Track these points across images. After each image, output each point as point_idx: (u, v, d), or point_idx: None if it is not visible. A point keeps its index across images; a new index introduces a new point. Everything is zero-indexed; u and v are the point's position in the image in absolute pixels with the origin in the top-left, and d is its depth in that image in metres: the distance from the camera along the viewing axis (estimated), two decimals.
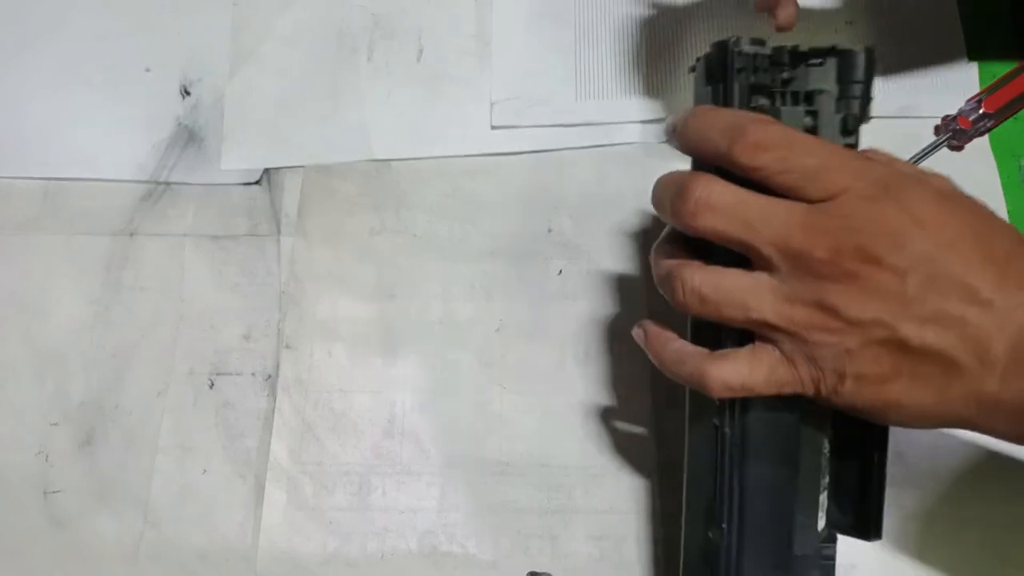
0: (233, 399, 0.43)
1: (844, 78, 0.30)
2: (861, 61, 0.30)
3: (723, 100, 0.31)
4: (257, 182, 0.48)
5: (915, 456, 0.40)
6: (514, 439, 0.42)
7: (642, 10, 0.49)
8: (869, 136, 0.32)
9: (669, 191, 0.30)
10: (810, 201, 0.27)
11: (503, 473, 0.41)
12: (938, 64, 0.47)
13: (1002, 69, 0.46)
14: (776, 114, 0.30)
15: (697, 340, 0.31)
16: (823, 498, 0.32)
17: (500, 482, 0.41)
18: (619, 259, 0.44)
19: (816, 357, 0.28)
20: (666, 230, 0.33)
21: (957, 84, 0.46)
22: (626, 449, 0.41)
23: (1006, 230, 0.28)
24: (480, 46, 0.50)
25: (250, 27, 0.51)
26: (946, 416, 0.28)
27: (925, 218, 0.27)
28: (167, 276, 0.46)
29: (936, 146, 0.44)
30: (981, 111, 0.44)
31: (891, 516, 0.39)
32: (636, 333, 0.33)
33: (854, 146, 0.31)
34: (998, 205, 0.43)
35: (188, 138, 0.49)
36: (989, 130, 0.44)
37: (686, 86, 0.45)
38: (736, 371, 0.29)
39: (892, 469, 0.39)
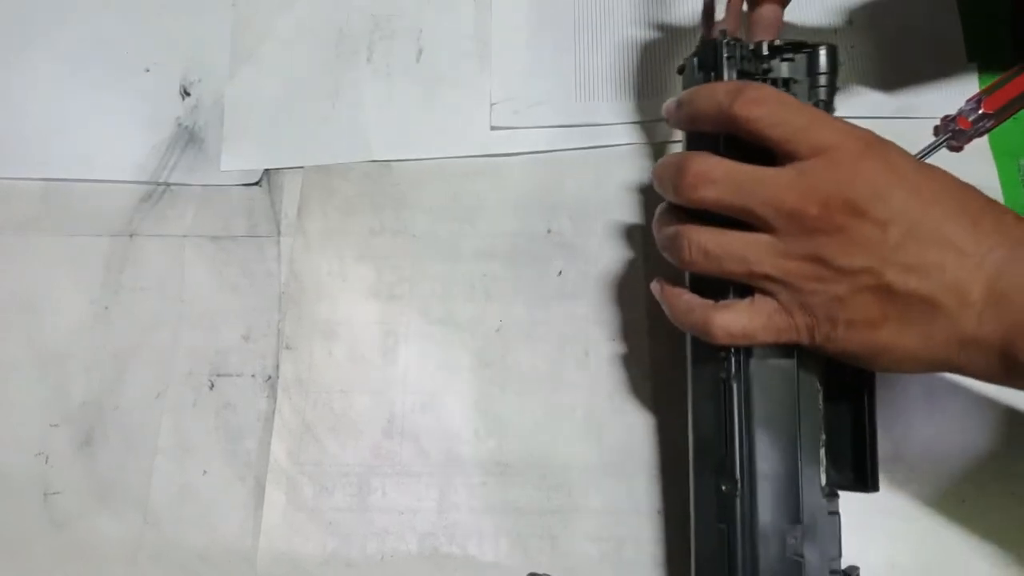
0: (233, 400, 0.43)
1: (812, 71, 0.35)
2: (825, 56, 0.34)
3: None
4: (257, 183, 0.48)
5: (915, 456, 0.40)
6: (514, 439, 0.42)
7: (641, 12, 0.49)
8: None
9: (669, 171, 0.33)
10: (798, 157, 0.30)
11: (503, 473, 0.41)
12: (938, 64, 0.47)
13: (1001, 69, 0.46)
14: None
15: (696, 291, 0.34)
16: (823, 454, 0.33)
17: (500, 482, 0.41)
18: (618, 259, 0.44)
19: (810, 305, 0.30)
20: (665, 202, 0.35)
21: (957, 84, 0.46)
22: (626, 449, 0.41)
23: (975, 191, 0.31)
24: (480, 47, 0.50)
25: (250, 28, 0.51)
26: (932, 358, 0.30)
27: (906, 175, 0.30)
28: (167, 277, 0.46)
29: (935, 146, 0.44)
30: (980, 111, 0.44)
31: (891, 516, 0.39)
32: (654, 287, 0.36)
33: None
34: None
35: (188, 139, 0.49)
36: (988, 130, 0.44)
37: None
38: (737, 319, 0.31)
39: (892, 470, 0.39)
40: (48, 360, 0.45)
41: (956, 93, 0.45)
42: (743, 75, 0.35)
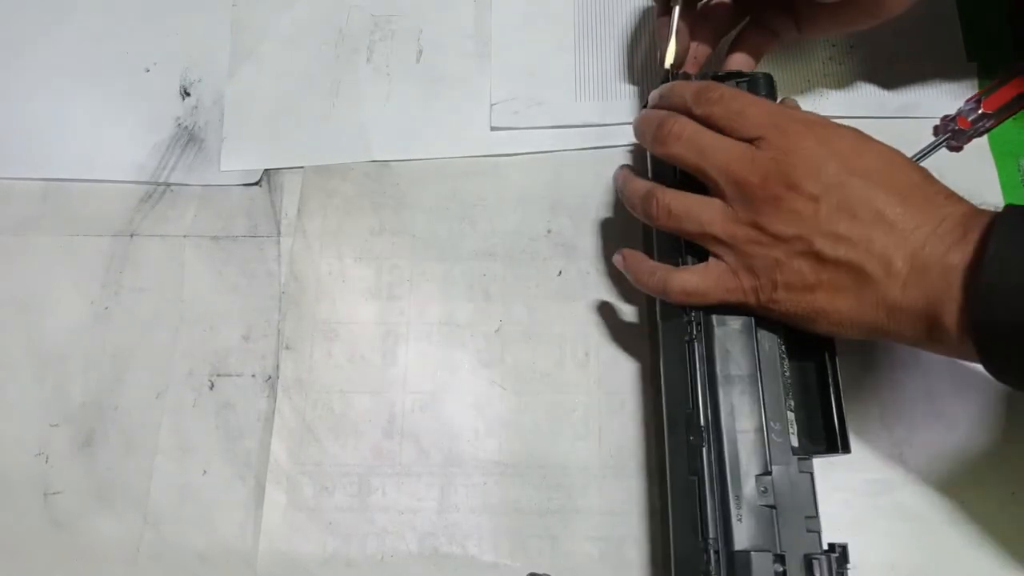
0: (233, 400, 0.43)
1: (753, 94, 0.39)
2: (762, 83, 0.40)
3: None
4: (257, 183, 0.48)
5: (915, 456, 0.40)
6: (514, 439, 0.42)
7: (641, 12, 0.49)
8: None
9: (651, 124, 0.37)
10: (744, 139, 0.34)
11: (503, 473, 0.41)
12: (938, 64, 0.47)
13: (1001, 69, 0.46)
14: None
15: (662, 262, 0.38)
16: (792, 417, 0.35)
17: (500, 482, 0.41)
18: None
19: (754, 268, 0.34)
20: (627, 167, 0.40)
21: (956, 84, 0.46)
22: (626, 449, 0.41)
23: (912, 167, 0.33)
24: (479, 47, 0.50)
25: (250, 27, 0.51)
26: (864, 322, 0.33)
27: (841, 151, 0.33)
28: (167, 277, 0.46)
29: (935, 146, 0.44)
30: (980, 111, 0.44)
31: (891, 516, 0.39)
32: (616, 259, 0.40)
33: None
34: (997, 205, 0.43)
35: (188, 139, 0.49)
36: (988, 130, 0.44)
37: None
38: (691, 278, 0.35)
39: (893, 471, 0.39)
40: (48, 360, 0.45)
41: (956, 93, 0.46)
42: None
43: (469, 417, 0.42)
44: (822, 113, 0.37)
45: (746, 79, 0.40)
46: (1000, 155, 0.44)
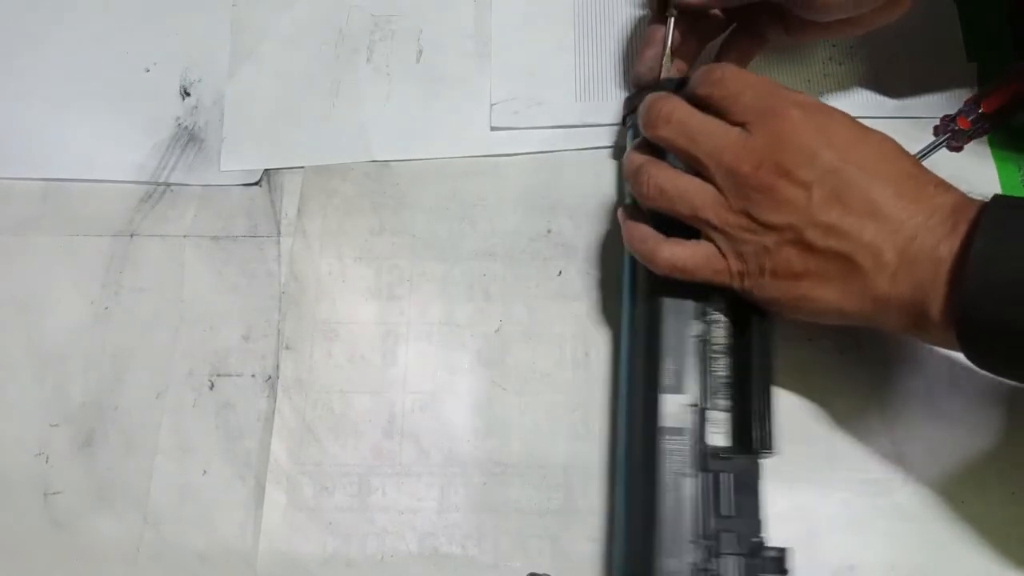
0: (233, 400, 0.43)
1: None
2: None
3: None
4: (257, 183, 0.48)
5: (915, 456, 0.40)
6: (514, 439, 0.42)
7: (641, 11, 0.49)
8: None
9: (644, 107, 0.36)
10: (746, 122, 0.33)
11: (503, 473, 0.41)
12: (938, 64, 0.47)
13: (1001, 70, 0.46)
14: None
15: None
16: (724, 417, 0.35)
17: (500, 482, 0.41)
18: (618, 260, 0.44)
19: (743, 253, 0.33)
20: (640, 138, 0.38)
21: (957, 84, 0.46)
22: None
23: (905, 156, 0.33)
24: (479, 47, 0.50)
25: (250, 27, 0.51)
26: (848, 311, 0.33)
27: (836, 140, 0.32)
28: (167, 277, 0.46)
29: (935, 146, 0.44)
30: (980, 112, 0.44)
31: (891, 516, 0.39)
32: (620, 213, 0.38)
33: None
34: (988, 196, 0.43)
35: (188, 139, 0.49)
36: (988, 131, 0.44)
37: None
38: (681, 253, 0.35)
39: (892, 471, 0.39)
40: (48, 360, 0.45)
41: (956, 93, 0.45)
42: None
43: (469, 417, 0.42)
44: None
45: None
46: (1000, 155, 0.45)
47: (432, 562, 0.40)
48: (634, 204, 0.38)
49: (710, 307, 0.36)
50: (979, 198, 0.32)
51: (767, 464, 0.36)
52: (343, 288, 0.45)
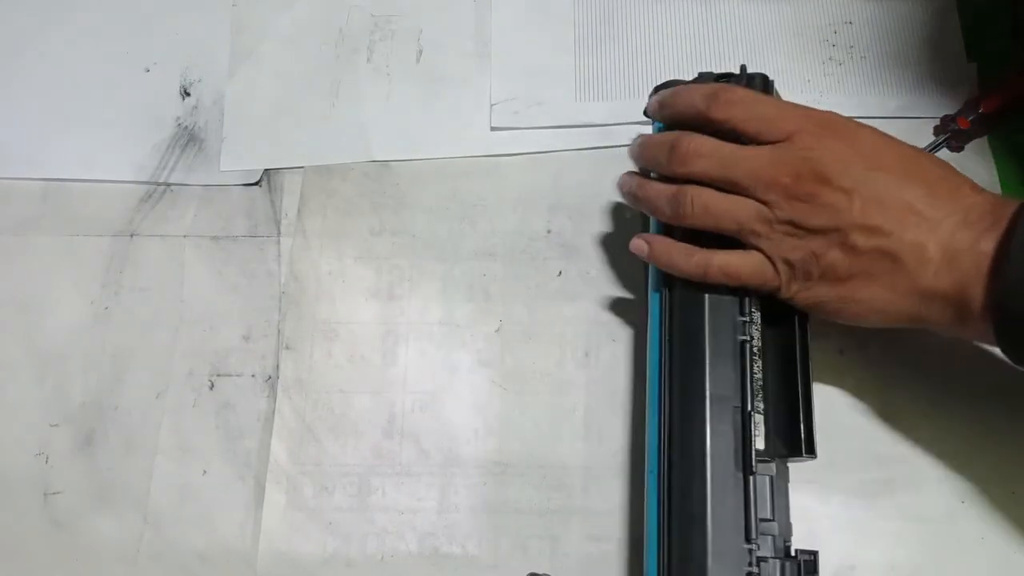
0: (233, 400, 0.43)
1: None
2: (759, 81, 0.40)
3: None
4: (257, 183, 0.48)
5: (915, 456, 0.40)
6: (514, 439, 0.42)
7: (641, 11, 0.49)
8: None
9: (663, 148, 0.37)
10: (771, 142, 0.34)
11: (503, 473, 0.41)
12: (938, 64, 0.47)
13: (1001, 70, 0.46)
14: None
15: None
16: (761, 419, 0.35)
17: (500, 482, 0.41)
18: (618, 260, 0.44)
19: (790, 260, 0.34)
20: (634, 172, 0.39)
21: (957, 84, 0.46)
22: (626, 449, 0.41)
23: (935, 161, 0.35)
24: (480, 47, 0.50)
25: (250, 27, 0.51)
26: (896, 310, 0.34)
27: (866, 149, 0.34)
28: (167, 277, 0.46)
29: (935, 146, 0.44)
30: (980, 111, 0.44)
31: (891, 516, 0.39)
32: (637, 245, 0.38)
33: None
34: None
35: (188, 139, 0.49)
36: (988, 131, 0.44)
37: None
38: (733, 261, 0.35)
39: (892, 471, 0.39)
40: (48, 360, 0.45)
41: (956, 93, 0.45)
42: None
43: (469, 417, 0.42)
44: None
45: (746, 76, 0.40)
46: (1000, 155, 0.44)
47: (432, 562, 0.40)
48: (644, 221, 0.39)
49: (747, 310, 0.36)
50: (1015, 200, 0.32)
51: None
52: (343, 288, 0.45)
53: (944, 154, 0.44)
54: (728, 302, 0.36)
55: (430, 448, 0.42)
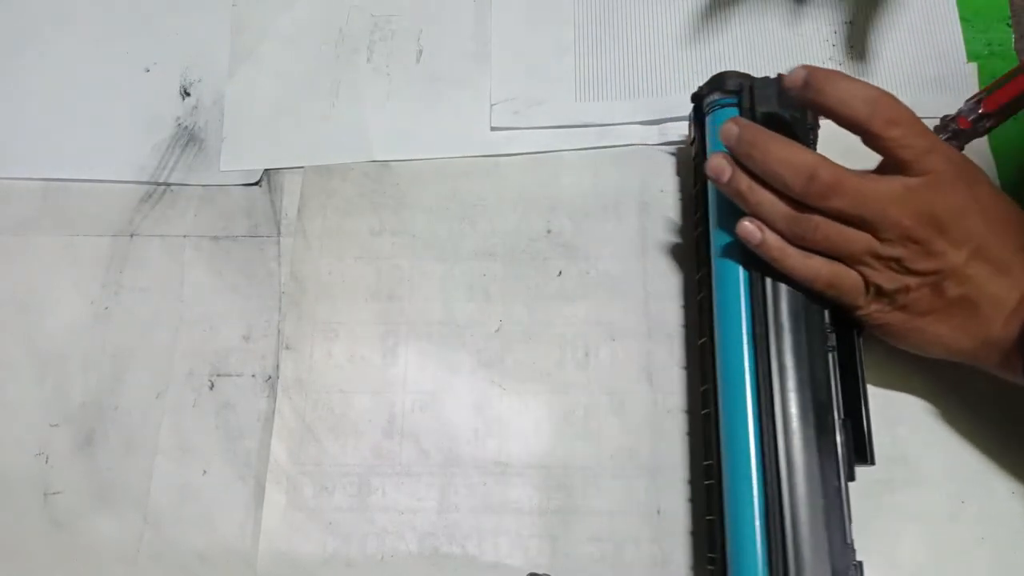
0: (233, 400, 0.43)
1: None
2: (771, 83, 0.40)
3: (751, 114, 0.40)
4: (257, 183, 0.48)
5: (915, 456, 0.40)
6: (514, 439, 0.42)
7: (641, 11, 0.49)
8: None
9: (800, 175, 0.35)
10: (910, 174, 0.35)
11: (503, 473, 0.41)
12: (938, 64, 0.47)
13: (1001, 69, 0.45)
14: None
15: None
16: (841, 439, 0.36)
17: (500, 482, 0.41)
18: (618, 260, 0.44)
19: (884, 289, 0.36)
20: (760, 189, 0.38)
21: (957, 84, 0.46)
22: (626, 449, 0.41)
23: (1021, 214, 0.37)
24: (479, 47, 0.50)
25: (250, 27, 0.51)
26: (959, 349, 0.36)
27: (983, 202, 0.36)
28: (167, 277, 0.46)
29: None
30: (980, 111, 0.44)
31: (891, 516, 0.39)
32: (749, 229, 0.37)
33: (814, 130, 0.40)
34: None
35: (188, 139, 0.49)
36: (988, 131, 0.44)
37: (685, 87, 0.45)
38: (839, 274, 0.37)
39: (892, 470, 0.39)
40: (48, 360, 0.45)
41: (956, 93, 0.45)
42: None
43: (469, 417, 0.42)
44: None
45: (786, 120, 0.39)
46: (1000, 155, 0.44)
47: (432, 562, 0.40)
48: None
49: (831, 321, 0.38)
50: None
51: None
52: (343, 288, 0.45)
53: None
54: (816, 310, 0.38)
55: (430, 448, 0.42)
